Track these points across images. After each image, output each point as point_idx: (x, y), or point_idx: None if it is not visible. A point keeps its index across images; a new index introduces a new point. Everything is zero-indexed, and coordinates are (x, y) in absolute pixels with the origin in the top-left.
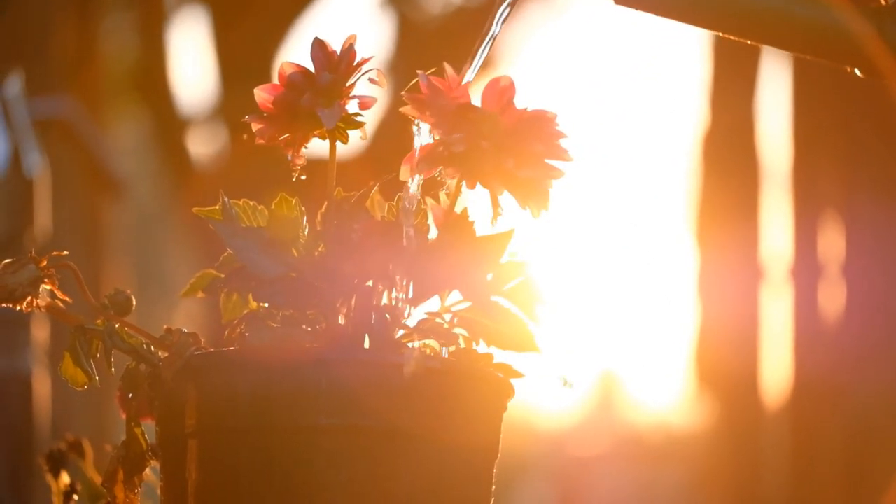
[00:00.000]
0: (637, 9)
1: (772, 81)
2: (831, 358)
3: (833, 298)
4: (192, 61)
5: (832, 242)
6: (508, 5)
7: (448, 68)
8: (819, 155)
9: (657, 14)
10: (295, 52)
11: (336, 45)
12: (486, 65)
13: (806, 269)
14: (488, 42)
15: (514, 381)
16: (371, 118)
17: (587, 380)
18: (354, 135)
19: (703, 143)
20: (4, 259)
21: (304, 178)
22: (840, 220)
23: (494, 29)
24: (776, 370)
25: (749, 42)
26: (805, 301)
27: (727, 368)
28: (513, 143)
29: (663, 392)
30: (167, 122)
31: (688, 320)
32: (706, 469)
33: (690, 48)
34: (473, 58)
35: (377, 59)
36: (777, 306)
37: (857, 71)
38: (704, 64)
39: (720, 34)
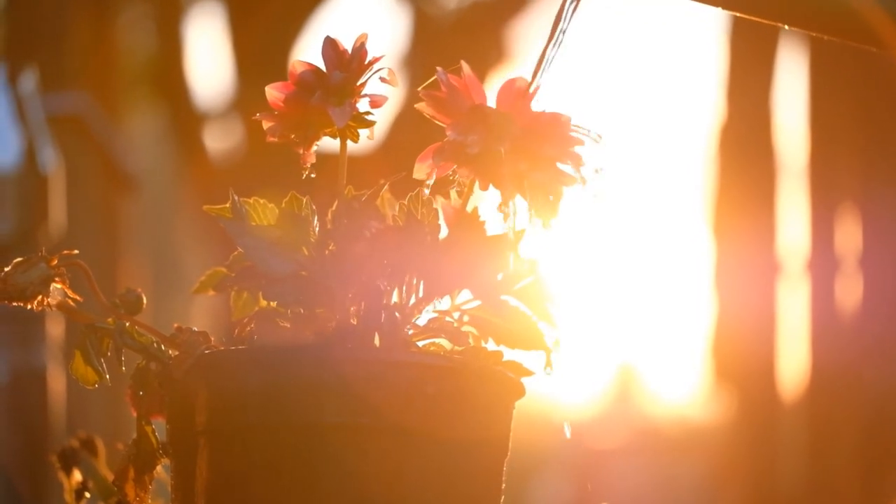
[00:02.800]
0: None
1: (789, 74)
2: (848, 350)
3: (850, 291)
4: (207, 56)
5: (849, 235)
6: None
7: (465, 67)
8: (836, 148)
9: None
10: (311, 46)
11: (348, 44)
12: (500, 60)
13: (823, 262)
14: (558, 39)
15: (529, 375)
16: (386, 113)
17: (605, 373)
18: (365, 132)
19: (720, 136)
20: (16, 257)
21: (313, 175)
22: (857, 212)
23: (563, 25)
24: (793, 363)
25: (797, 28)
26: (822, 294)
27: (745, 361)
28: (527, 146)
29: (681, 385)
30: (182, 117)
31: (705, 313)
32: (724, 461)
33: (707, 41)
34: (541, 59)
35: (392, 54)
36: (794, 299)
37: None
38: (721, 57)
39: (748, 16)
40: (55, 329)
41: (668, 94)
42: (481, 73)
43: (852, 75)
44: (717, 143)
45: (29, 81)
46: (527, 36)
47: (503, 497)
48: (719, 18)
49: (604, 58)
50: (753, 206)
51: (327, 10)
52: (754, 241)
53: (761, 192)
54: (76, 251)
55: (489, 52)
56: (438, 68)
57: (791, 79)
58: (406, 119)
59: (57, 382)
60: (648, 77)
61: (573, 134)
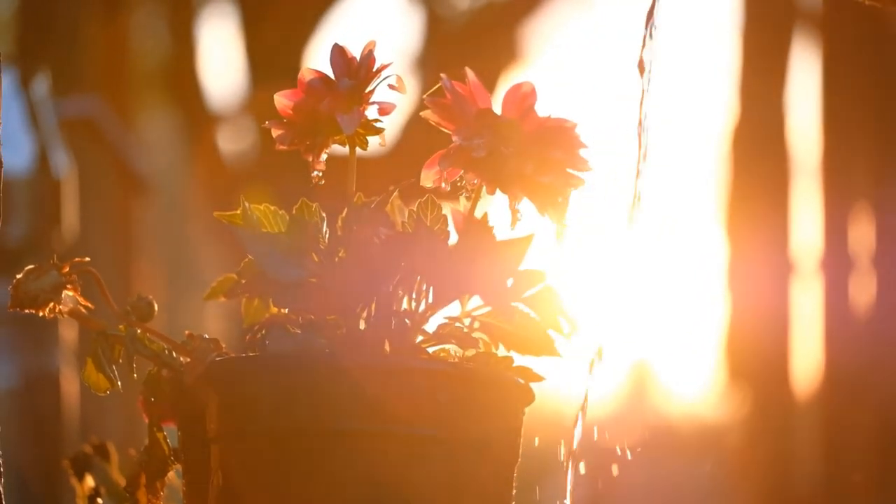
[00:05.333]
0: None
1: (802, 73)
2: (862, 349)
3: (864, 290)
4: (220, 58)
5: (862, 234)
6: None
7: (470, 73)
8: (849, 147)
9: None
10: (323, 47)
11: (356, 51)
12: (513, 61)
13: (836, 261)
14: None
15: (545, 369)
16: (399, 113)
17: (619, 371)
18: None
19: (734, 136)
20: (30, 261)
21: (322, 182)
22: (871, 211)
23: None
24: (807, 361)
25: None
26: (836, 292)
27: (758, 360)
28: (533, 150)
29: (695, 383)
30: (195, 119)
31: (719, 312)
32: (738, 459)
33: (721, 40)
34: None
35: (404, 55)
36: (808, 298)
37: None
38: (734, 56)
39: None
40: (69, 333)
41: (681, 94)
42: (493, 74)
43: (866, 74)
44: (730, 142)
45: (41, 85)
46: (539, 37)
47: (514, 500)
48: (733, 17)
49: (614, 58)
50: (767, 205)
51: (339, 12)
52: (768, 240)
53: (775, 192)
54: (88, 258)
55: (501, 53)
56: (443, 75)
57: (804, 78)
58: (418, 120)
59: (70, 386)
60: (662, 76)
61: (579, 138)
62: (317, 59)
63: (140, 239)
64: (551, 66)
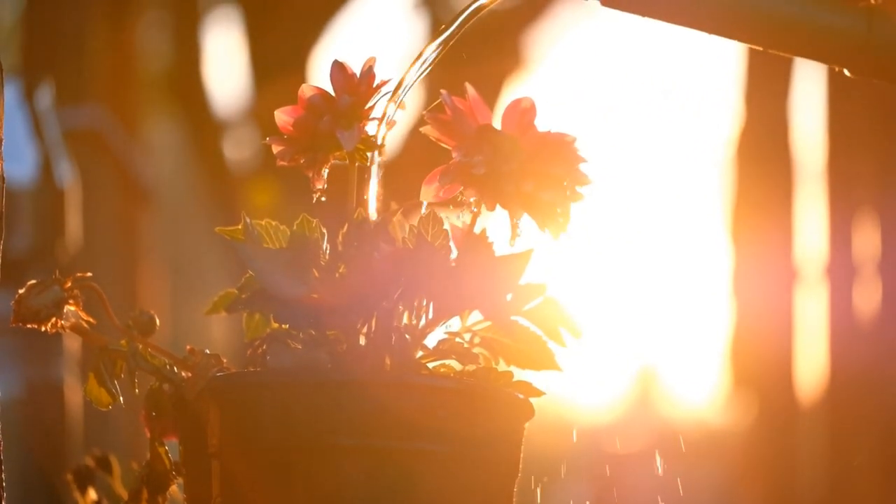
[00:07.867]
0: (623, 10)
1: (806, 79)
2: (866, 355)
3: (868, 296)
4: (225, 67)
5: (867, 240)
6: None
7: (470, 89)
8: (854, 153)
9: (643, 15)
10: (328, 54)
11: (356, 66)
12: (517, 67)
13: (841, 267)
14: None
15: (549, 377)
16: (408, 115)
17: (625, 376)
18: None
19: (739, 142)
20: (34, 271)
21: (324, 199)
22: (875, 217)
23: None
24: (812, 367)
25: (737, 42)
26: (840, 298)
27: (763, 365)
28: (533, 166)
29: (700, 389)
30: (201, 128)
31: (724, 318)
32: (743, 465)
33: (725, 45)
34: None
35: (408, 62)
36: (812, 303)
37: (845, 71)
38: (739, 62)
39: (709, 34)
40: (73, 344)
41: (686, 99)
42: (498, 81)
43: (869, 82)
44: (735, 148)
45: (45, 96)
46: (544, 43)
47: None
48: None
49: (621, 63)
50: (771, 210)
51: (345, 18)
52: (772, 245)
53: (779, 197)
54: (91, 270)
55: (506, 59)
56: (442, 91)
57: (809, 83)
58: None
59: (74, 397)
60: (667, 82)
61: (579, 153)
62: (321, 65)
63: (144, 249)
64: (555, 74)
